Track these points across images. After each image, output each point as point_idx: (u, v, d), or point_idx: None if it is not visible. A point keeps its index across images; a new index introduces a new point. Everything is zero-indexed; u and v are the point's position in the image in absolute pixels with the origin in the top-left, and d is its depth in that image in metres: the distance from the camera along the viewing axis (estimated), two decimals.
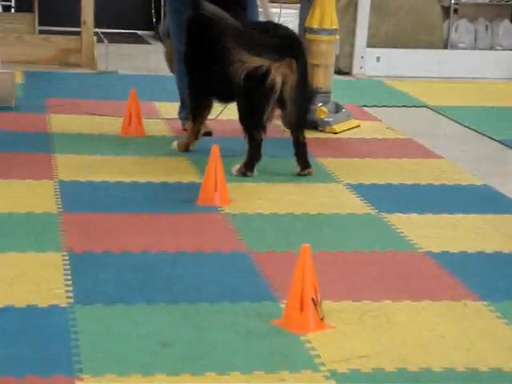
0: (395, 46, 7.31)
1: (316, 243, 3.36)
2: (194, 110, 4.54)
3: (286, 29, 4.29)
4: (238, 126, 4.92)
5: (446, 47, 7.53)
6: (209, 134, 4.80)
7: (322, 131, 5.22)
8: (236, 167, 4.22)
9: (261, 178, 4.27)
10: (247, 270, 3.17)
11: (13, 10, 7.77)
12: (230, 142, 4.78)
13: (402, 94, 6.53)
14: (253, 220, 3.70)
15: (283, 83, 4.10)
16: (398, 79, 7.06)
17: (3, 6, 7.88)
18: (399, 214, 3.83)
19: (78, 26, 6.95)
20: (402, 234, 3.59)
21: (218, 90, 4.40)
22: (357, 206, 3.94)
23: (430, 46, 7.40)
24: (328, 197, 4.06)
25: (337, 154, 4.82)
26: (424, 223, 3.74)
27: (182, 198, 3.92)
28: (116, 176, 4.17)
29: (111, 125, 5.08)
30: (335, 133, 5.21)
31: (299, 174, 4.32)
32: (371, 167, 4.58)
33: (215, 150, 3.90)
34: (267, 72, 4.07)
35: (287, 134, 4.82)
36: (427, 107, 6.14)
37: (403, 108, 6.11)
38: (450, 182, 4.34)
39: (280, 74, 4.08)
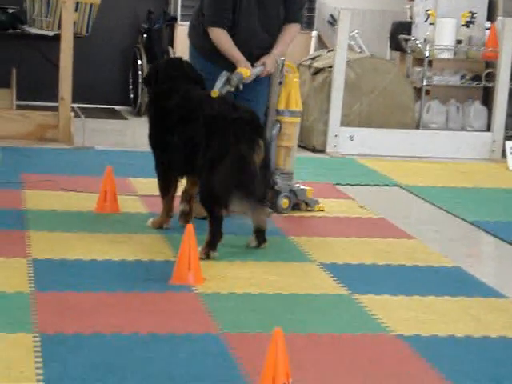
0: (368, 126, 7.45)
1: (288, 325, 3.38)
2: (161, 186, 4.68)
3: (248, 110, 4.43)
4: None
5: (418, 127, 7.68)
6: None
7: (311, 210, 5.25)
8: (199, 249, 4.10)
9: (235, 256, 4.30)
10: (219, 353, 3.16)
11: None
12: (205, 220, 4.82)
13: (374, 173, 6.63)
14: (226, 300, 3.71)
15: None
16: (370, 158, 7.17)
17: None
18: (371, 295, 3.85)
19: (56, 100, 7.03)
20: (374, 317, 3.61)
21: (179, 166, 4.52)
22: (329, 286, 3.96)
23: (402, 126, 7.55)
24: (301, 277, 4.09)
25: (310, 232, 4.87)
26: (396, 305, 3.77)
27: (156, 276, 3.93)
28: (90, 254, 4.17)
29: (87, 201, 5.11)
30: (322, 210, 5.27)
31: (256, 247, 4.41)
32: (344, 246, 4.62)
33: (189, 228, 3.93)
34: (236, 151, 4.19)
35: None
36: (399, 186, 6.23)
37: (375, 187, 6.19)
38: (421, 263, 4.38)
39: (247, 154, 4.21)
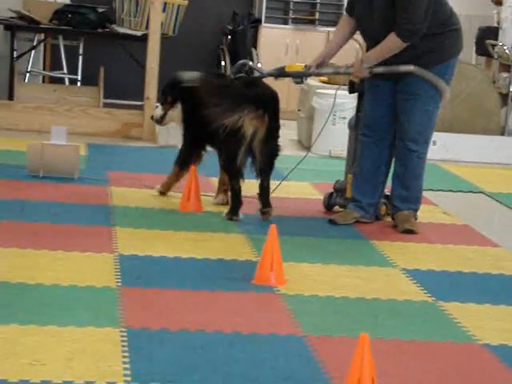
0: (451, 131, 7.34)
1: (372, 329, 3.34)
2: (181, 155, 5.10)
3: (264, 86, 4.77)
4: (297, 206, 4.99)
5: (503, 134, 7.54)
6: None
7: None
8: (224, 213, 4.84)
9: (317, 258, 4.29)
10: (303, 355, 3.16)
11: (79, 84, 8.01)
12: (288, 221, 4.83)
13: (457, 179, 6.53)
14: (308, 302, 3.71)
15: (254, 134, 4.60)
16: (453, 163, 7.07)
17: (70, 80, 8.13)
18: (456, 303, 3.80)
19: (141, 99, 7.15)
20: (460, 325, 3.56)
21: (206, 139, 4.95)
22: (413, 292, 3.92)
23: (486, 132, 7.41)
24: (384, 281, 4.05)
25: (393, 237, 4.82)
26: (482, 314, 3.71)
27: (239, 276, 3.95)
28: (174, 251, 4.22)
29: (170, 199, 5.18)
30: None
31: (261, 211, 4.81)
32: (428, 252, 4.57)
33: (273, 229, 3.93)
34: (240, 124, 4.55)
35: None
36: (484, 193, 6.12)
37: (459, 193, 6.10)
38: (507, 272, 4.30)
39: (251, 126, 4.57)
